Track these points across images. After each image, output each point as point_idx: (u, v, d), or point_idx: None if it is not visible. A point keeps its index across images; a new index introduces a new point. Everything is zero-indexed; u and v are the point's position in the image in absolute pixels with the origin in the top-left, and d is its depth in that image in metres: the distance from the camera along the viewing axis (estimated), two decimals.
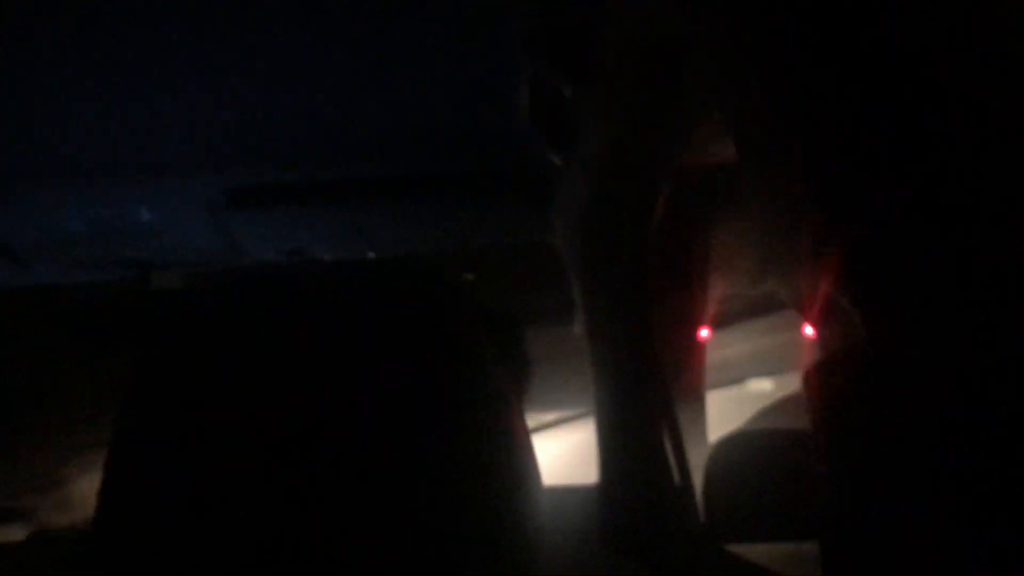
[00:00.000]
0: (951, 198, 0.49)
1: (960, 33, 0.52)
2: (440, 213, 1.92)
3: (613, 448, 1.57)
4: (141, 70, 1.14)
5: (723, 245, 1.64)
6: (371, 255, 2.14)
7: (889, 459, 0.54)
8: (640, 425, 1.52)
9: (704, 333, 1.66)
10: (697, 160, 1.38)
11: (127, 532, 0.60)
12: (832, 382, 0.68)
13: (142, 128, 1.30)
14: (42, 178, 1.40)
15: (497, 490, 0.65)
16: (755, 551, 1.27)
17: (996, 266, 0.48)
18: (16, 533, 2.26)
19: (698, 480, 1.38)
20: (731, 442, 1.32)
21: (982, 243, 0.49)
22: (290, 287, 0.67)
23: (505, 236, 2.31)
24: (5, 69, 1.09)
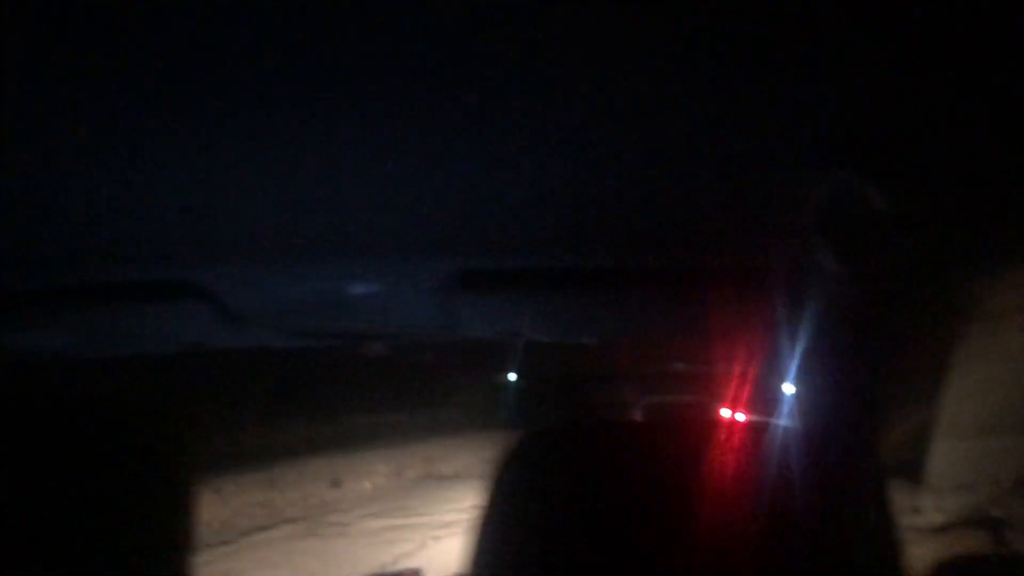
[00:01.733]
0: None
1: None
2: (663, 305, 1.75)
3: None
4: (385, 152, 1.04)
5: None
6: (589, 341, 1.99)
7: None
8: None
9: None
10: None
11: None
12: None
13: (382, 208, 1.20)
14: (274, 251, 1.33)
15: None
16: None
17: None
18: None
19: None
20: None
21: None
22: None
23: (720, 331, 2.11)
24: (244, 141, 1.01)
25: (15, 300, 1.39)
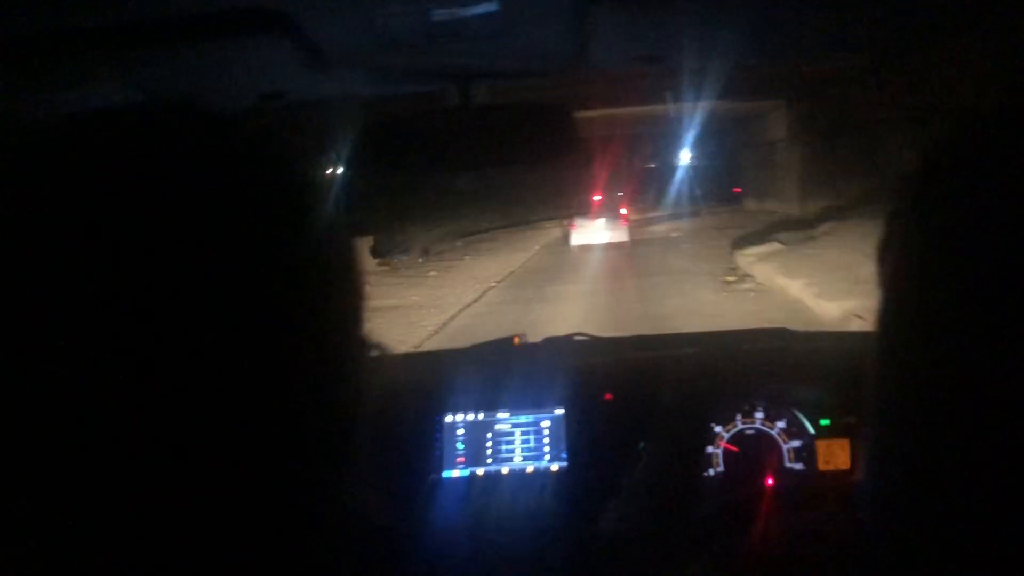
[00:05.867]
0: None
1: None
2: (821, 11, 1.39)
3: None
4: None
5: None
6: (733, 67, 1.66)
7: None
8: None
9: None
10: None
11: None
12: None
13: None
14: None
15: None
16: None
17: None
18: None
19: None
20: None
21: None
22: None
23: None
24: None
25: (50, 46, 1.15)
